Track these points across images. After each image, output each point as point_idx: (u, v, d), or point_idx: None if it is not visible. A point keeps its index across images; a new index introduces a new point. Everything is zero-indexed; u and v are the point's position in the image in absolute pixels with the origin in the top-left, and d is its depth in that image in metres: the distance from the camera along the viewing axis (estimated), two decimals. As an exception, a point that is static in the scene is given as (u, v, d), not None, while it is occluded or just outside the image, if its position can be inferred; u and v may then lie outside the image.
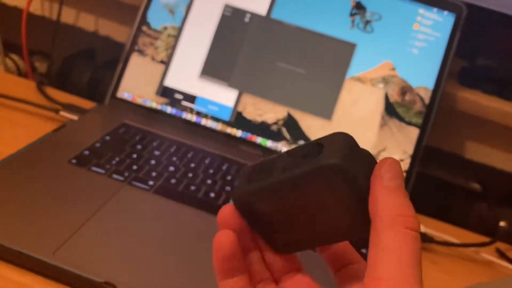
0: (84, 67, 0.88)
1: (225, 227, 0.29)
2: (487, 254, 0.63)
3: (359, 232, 0.27)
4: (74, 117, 0.66)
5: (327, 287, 0.30)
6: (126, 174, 0.56)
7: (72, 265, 0.42)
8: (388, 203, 0.25)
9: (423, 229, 0.62)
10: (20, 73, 0.88)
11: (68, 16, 0.86)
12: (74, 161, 0.56)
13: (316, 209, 0.27)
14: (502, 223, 0.70)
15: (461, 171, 0.82)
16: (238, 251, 0.29)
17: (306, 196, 0.27)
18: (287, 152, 0.27)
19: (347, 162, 0.25)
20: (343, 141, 0.26)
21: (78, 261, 0.43)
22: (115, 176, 0.55)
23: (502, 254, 0.64)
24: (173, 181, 0.57)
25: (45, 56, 0.92)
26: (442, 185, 0.83)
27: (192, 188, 0.57)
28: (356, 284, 0.29)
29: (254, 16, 0.70)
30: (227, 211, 0.29)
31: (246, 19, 0.70)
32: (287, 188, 0.27)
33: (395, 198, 0.25)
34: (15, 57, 0.89)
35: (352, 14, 0.69)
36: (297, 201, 0.27)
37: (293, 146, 0.66)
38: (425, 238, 0.61)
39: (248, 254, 0.30)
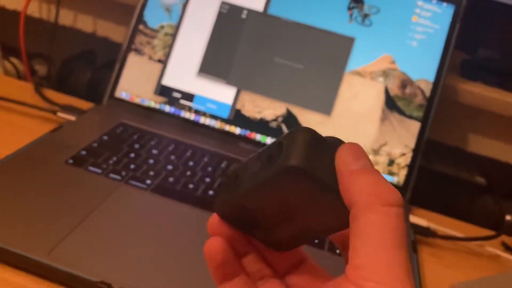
0: (84, 68, 0.88)
1: (215, 235, 0.29)
2: (492, 248, 0.61)
3: (347, 224, 0.26)
4: (72, 118, 0.65)
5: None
6: (123, 173, 0.56)
7: (67, 265, 0.42)
8: (359, 186, 0.23)
9: (425, 223, 0.61)
10: (20, 77, 0.88)
11: (66, 18, 0.86)
12: (70, 161, 0.56)
13: (296, 207, 0.26)
14: (508, 217, 0.69)
15: (465, 164, 0.81)
16: (231, 256, 0.28)
17: (280, 197, 0.26)
18: (256, 154, 0.27)
19: (304, 160, 0.23)
20: (302, 136, 0.24)
21: (74, 260, 0.42)
22: (112, 175, 0.55)
23: (507, 248, 0.63)
24: (171, 179, 0.56)
25: (45, 59, 0.91)
26: (446, 179, 0.82)
27: (191, 186, 0.56)
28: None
29: (251, 12, 0.70)
30: (213, 220, 0.29)
31: (243, 16, 0.70)
32: (258, 193, 0.26)
33: (365, 177, 0.23)
34: (14, 60, 0.89)
35: (350, 8, 0.69)
36: (274, 203, 0.26)
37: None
38: (428, 233, 0.60)
39: (245, 256, 0.30)
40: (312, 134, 0.25)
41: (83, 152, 0.58)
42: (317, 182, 0.24)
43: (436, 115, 0.67)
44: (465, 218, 0.68)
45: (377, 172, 0.24)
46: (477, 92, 0.73)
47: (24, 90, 0.73)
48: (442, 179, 0.82)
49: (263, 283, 0.30)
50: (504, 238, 0.64)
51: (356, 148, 0.24)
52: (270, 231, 0.29)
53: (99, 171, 0.55)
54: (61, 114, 0.66)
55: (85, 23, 0.86)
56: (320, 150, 0.24)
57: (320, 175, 0.24)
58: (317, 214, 0.26)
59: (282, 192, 0.25)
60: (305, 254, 0.31)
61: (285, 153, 0.24)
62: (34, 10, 0.86)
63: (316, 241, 0.52)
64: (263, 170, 0.25)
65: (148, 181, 0.55)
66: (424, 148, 0.66)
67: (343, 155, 0.24)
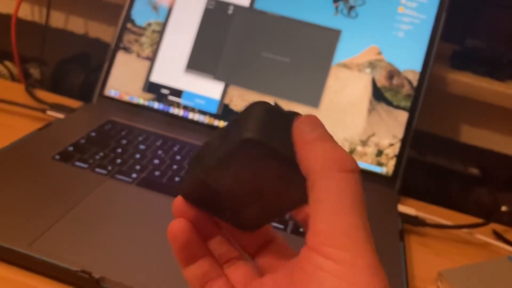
0: (77, 70, 0.88)
1: (179, 217, 0.28)
2: (483, 236, 0.61)
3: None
4: (61, 116, 0.66)
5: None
6: (110, 168, 0.56)
7: (48, 255, 0.42)
8: (316, 153, 0.23)
9: (414, 212, 0.61)
10: (14, 80, 0.89)
11: (58, 20, 0.87)
12: (57, 157, 0.56)
13: (257, 183, 0.26)
14: (504, 208, 0.69)
15: (458, 155, 0.81)
16: (194, 237, 0.28)
17: (241, 174, 0.26)
18: (216, 133, 0.26)
19: (259, 132, 0.23)
20: (258, 110, 0.24)
21: (55, 251, 0.43)
22: (98, 170, 0.55)
23: (498, 236, 0.63)
24: (157, 173, 0.57)
25: (39, 62, 0.92)
26: (440, 171, 0.82)
27: (177, 179, 0.56)
28: None
29: (237, 7, 0.70)
30: (177, 202, 0.28)
31: (230, 11, 0.70)
32: (218, 171, 0.26)
33: (322, 145, 0.23)
34: (9, 64, 0.90)
35: (335, 1, 0.69)
36: (236, 180, 0.26)
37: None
38: (417, 222, 0.60)
39: (212, 239, 0.30)
40: (268, 107, 0.24)
41: (71, 148, 0.58)
42: (273, 153, 0.24)
43: (427, 106, 0.67)
44: (460, 209, 0.68)
45: (334, 140, 0.24)
46: (467, 82, 0.73)
47: (15, 91, 0.74)
48: (436, 170, 0.82)
49: (230, 265, 0.30)
50: (496, 226, 0.64)
51: (313, 119, 0.24)
52: (236, 211, 0.29)
53: (85, 166, 0.55)
54: (50, 113, 0.66)
55: (76, 24, 0.87)
56: (277, 122, 0.24)
57: (276, 146, 0.24)
58: (279, 188, 0.26)
59: (242, 168, 0.25)
60: (274, 234, 0.31)
61: (241, 127, 0.24)
62: (26, 14, 0.87)
63: (301, 229, 0.52)
64: (221, 147, 0.25)
65: (134, 175, 0.55)
66: (413, 139, 0.65)
67: (300, 125, 0.24)
